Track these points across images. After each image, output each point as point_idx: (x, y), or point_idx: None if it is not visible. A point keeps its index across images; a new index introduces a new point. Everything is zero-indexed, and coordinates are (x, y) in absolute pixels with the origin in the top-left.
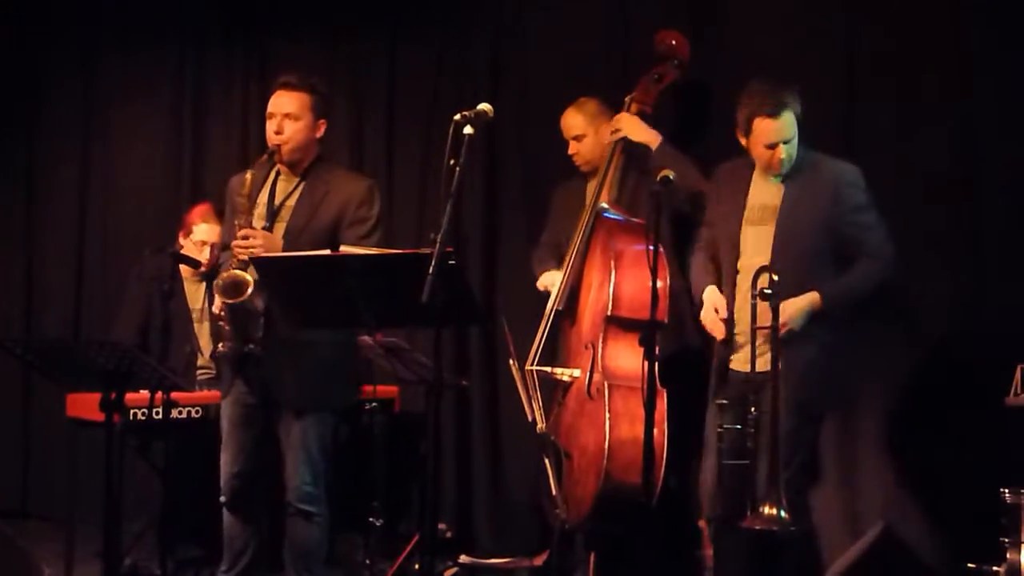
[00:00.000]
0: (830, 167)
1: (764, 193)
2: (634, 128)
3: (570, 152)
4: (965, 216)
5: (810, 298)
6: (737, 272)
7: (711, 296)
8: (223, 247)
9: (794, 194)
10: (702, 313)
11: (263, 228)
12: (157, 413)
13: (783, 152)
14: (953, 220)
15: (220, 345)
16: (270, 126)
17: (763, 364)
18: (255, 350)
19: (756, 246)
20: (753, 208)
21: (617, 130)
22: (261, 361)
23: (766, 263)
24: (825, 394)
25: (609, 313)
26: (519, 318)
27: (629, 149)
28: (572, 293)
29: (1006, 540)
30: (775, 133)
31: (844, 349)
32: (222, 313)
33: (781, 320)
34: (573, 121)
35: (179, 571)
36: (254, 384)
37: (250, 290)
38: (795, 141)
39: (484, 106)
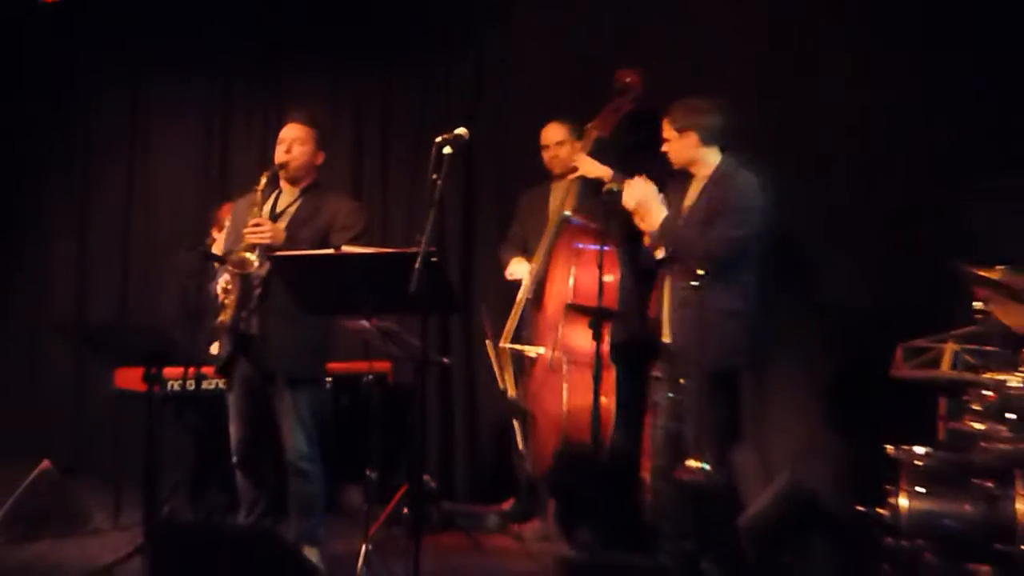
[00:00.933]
0: (732, 178)
1: (691, 194)
2: (589, 168)
3: (549, 157)
4: (861, 217)
5: (657, 211)
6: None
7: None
8: (226, 252)
9: (702, 198)
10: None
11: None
12: (190, 385)
13: (669, 152)
14: (852, 221)
15: (220, 316)
16: (280, 148)
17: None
18: (249, 323)
19: None
20: (684, 209)
21: (576, 169)
22: (256, 337)
23: None
24: (739, 362)
25: (570, 301)
26: (493, 305)
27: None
28: (539, 284)
29: (889, 487)
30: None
31: (756, 323)
32: (228, 287)
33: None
34: (557, 131)
35: (208, 517)
36: (254, 361)
37: (254, 266)
38: (689, 148)
39: (461, 130)
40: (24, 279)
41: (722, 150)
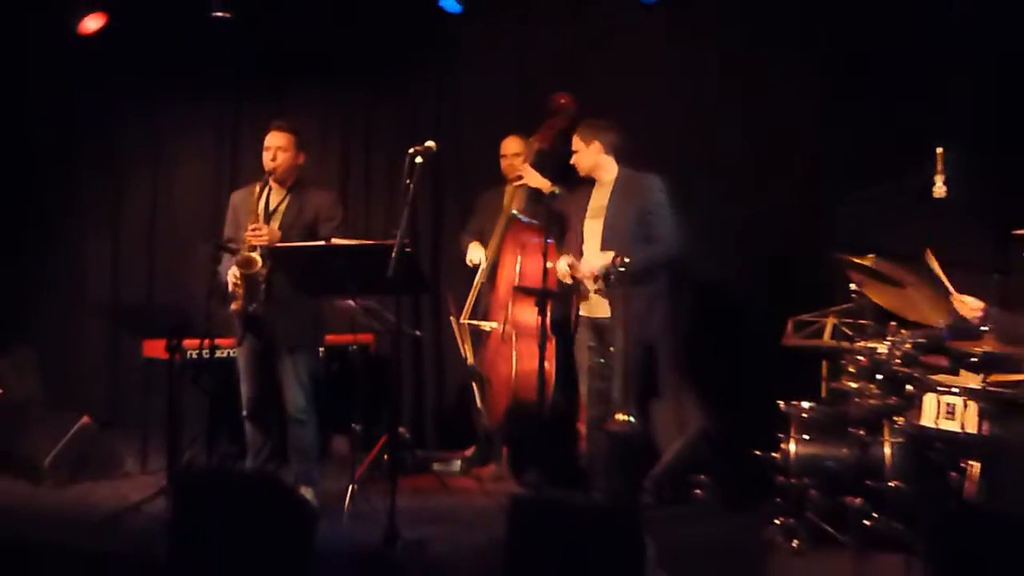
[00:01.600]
0: (641, 178)
1: (598, 198)
2: (533, 179)
3: (506, 165)
4: (759, 215)
5: (606, 257)
6: (582, 253)
7: (564, 262)
8: (228, 239)
9: (615, 199)
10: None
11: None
12: (205, 354)
13: (577, 161)
14: (750, 218)
15: (232, 304)
16: (267, 155)
17: (606, 311)
18: (257, 309)
19: (591, 233)
20: (591, 208)
21: (521, 177)
22: (263, 318)
23: (597, 244)
24: (655, 334)
25: (517, 283)
26: (455, 289)
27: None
28: (492, 270)
29: (781, 436)
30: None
31: (669, 304)
32: (238, 281)
33: (587, 271)
34: (515, 144)
35: (220, 463)
36: (259, 334)
37: (258, 266)
38: (594, 157)
39: (429, 143)
40: (64, 268)
41: (619, 161)
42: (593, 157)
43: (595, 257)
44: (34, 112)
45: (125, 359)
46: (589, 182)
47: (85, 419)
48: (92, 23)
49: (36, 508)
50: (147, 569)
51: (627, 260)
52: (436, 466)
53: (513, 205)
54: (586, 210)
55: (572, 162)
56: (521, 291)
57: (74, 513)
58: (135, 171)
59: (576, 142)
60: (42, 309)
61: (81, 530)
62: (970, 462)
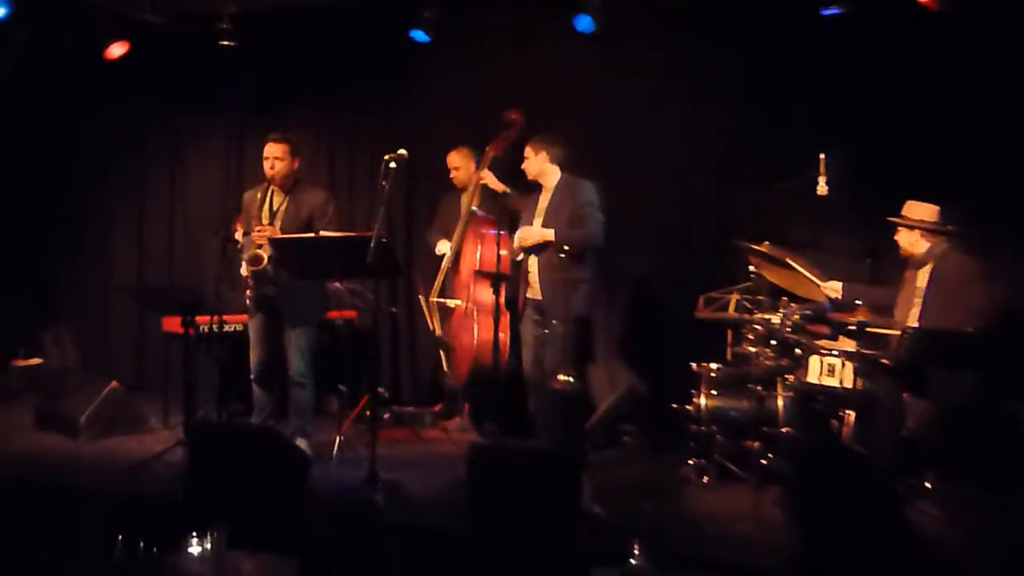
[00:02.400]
0: (577, 183)
1: (543, 200)
2: (491, 181)
3: (452, 176)
4: (674, 207)
5: (543, 232)
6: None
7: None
8: (244, 233)
9: (555, 199)
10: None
11: (267, 224)
12: (216, 328)
13: (527, 167)
14: (668, 210)
15: (247, 292)
16: (266, 164)
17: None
18: (270, 292)
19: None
20: (537, 209)
21: (481, 178)
22: (273, 299)
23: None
24: (588, 312)
25: (477, 268)
26: (424, 273)
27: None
28: (456, 257)
29: (693, 392)
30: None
31: (597, 286)
32: (249, 274)
33: (522, 237)
34: (454, 158)
35: (229, 419)
36: (268, 311)
37: (265, 263)
38: (540, 165)
39: (402, 151)
40: (95, 256)
41: (562, 169)
42: (540, 165)
43: (537, 227)
44: (69, 124)
45: (148, 333)
46: (539, 187)
47: (114, 383)
48: (117, 49)
49: (74, 458)
50: (168, 507)
51: (566, 247)
52: (410, 420)
53: (472, 203)
54: (534, 212)
55: (523, 167)
56: (481, 274)
57: (106, 462)
58: (156, 173)
59: (528, 150)
60: (77, 291)
61: (112, 476)
62: (847, 412)
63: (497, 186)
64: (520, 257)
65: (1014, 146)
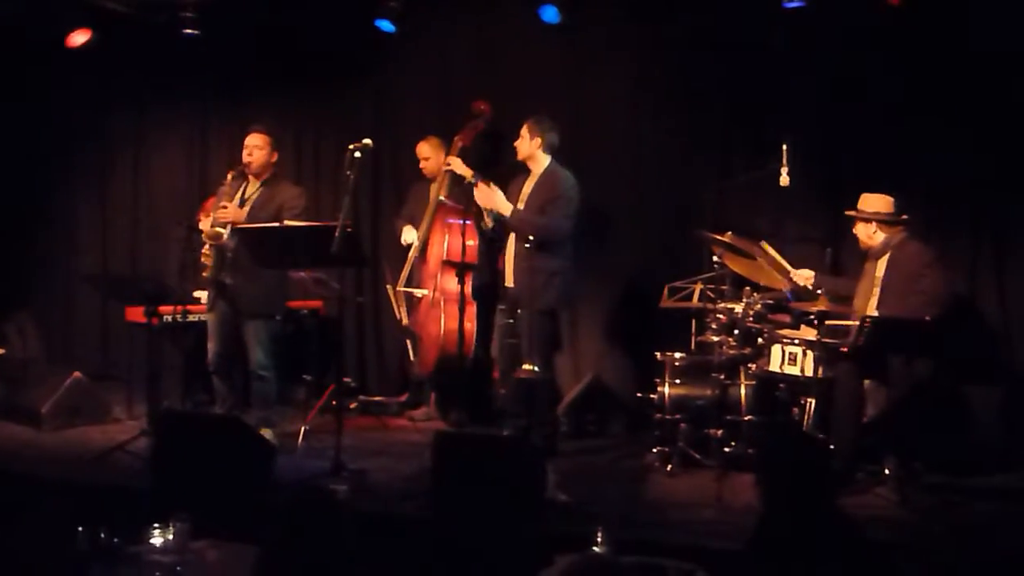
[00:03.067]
0: (559, 174)
1: (528, 186)
2: (459, 167)
3: (421, 166)
4: (641, 201)
5: (501, 202)
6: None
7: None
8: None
9: (538, 187)
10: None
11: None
12: (179, 318)
13: (519, 146)
14: (635, 205)
15: (204, 272)
16: (245, 152)
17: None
18: (226, 277)
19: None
20: (521, 194)
21: (449, 164)
22: (231, 288)
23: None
24: (557, 303)
25: (444, 258)
26: (391, 262)
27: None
28: (423, 246)
29: (658, 380)
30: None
31: (568, 278)
32: (207, 252)
33: (480, 195)
34: (424, 148)
35: (193, 409)
36: (228, 302)
37: (224, 239)
38: (532, 150)
39: (367, 141)
40: (59, 244)
41: (552, 156)
42: (532, 149)
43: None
44: (32, 112)
45: (112, 322)
46: (526, 169)
47: (77, 374)
48: (79, 37)
49: (37, 449)
50: (131, 497)
51: (531, 237)
52: (376, 409)
53: (440, 192)
54: (518, 195)
55: (516, 144)
56: (448, 264)
57: (69, 452)
58: (120, 161)
59: (525, 130)
60: (40, 279)
61: (75, 466)
62: (808, 399)
63: (465, 172)
64: (489, 226)
65: (970, 136)
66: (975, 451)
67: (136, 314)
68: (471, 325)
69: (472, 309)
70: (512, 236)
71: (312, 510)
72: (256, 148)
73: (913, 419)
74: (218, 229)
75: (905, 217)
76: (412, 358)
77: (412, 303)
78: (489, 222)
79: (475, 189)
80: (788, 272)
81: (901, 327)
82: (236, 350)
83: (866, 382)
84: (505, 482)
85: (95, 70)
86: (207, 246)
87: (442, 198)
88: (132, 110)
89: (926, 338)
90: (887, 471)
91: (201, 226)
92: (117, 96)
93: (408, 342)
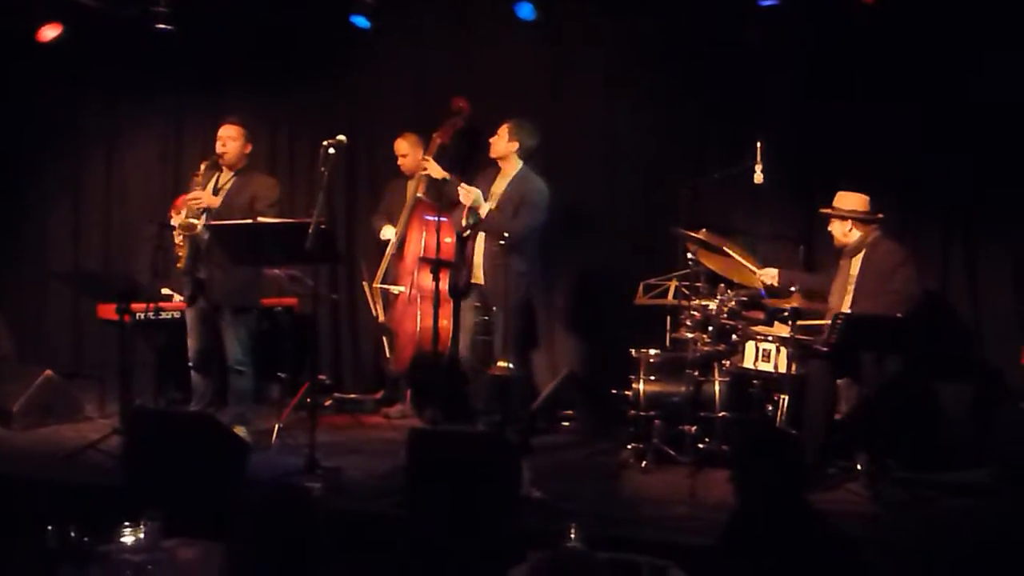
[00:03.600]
0: (531, 180)
1: (499, 185)
2: (434, 169)
3: (399, 163)
4: (616, 200)
5: (483, 206)
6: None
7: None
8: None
9: (510, 189)
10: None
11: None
12: (151, 315)
13: (495, 144)
14: (610, 203)
15: (178, 263)
16: (219, 144)
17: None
18: (202, 272)
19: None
20: (491, 192)
21: (425, 169)
22: (207, 283)
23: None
24: (523, 301)
25: (421, 255)
26: (368, 259)
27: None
28: (400, 243)
29: (632, 377)
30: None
31: (536, 279)
32: (181, 243)
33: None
34: (402, 145)
35: (167, 406)
36: (206, 297)
37: (197, 229)
38: (508, 151)
39: (341, 137)
40: (29, 241)
41: (525, 161)
42: (508, 151)
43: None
44: (5, 106)
45: (84, 319)
46: (495, 164)
47: (48, 372)
48: (50, 32)
49: (8, 447)
50: (103, 496)
51: (506, 235)
52: (351, 406)
53: (418, 190)
54: (487, 192)
55: (491, 140)
56: (425, 261)
57: (41, 451)
58: (92, 157)
59: (503, 131)
60: (11, 277)
61: (47, 465)
62: (781, 396)
63: (439, 173)
64: (466, 224)
65: (943, 135)
66: (946, 447)
67: (108, 311)
68: (447, 322)
69: (448, 306)
70: (483, 235)
71: (286, 508)
72: (230, 139)
73: (885, 416)
74: (192, 220)
75: (880, 216)
76: (388, 355)
77: (389, 300)
78: (468, 219)
79: (460, 188)
80: (755, 273)
81: (873, 325)
82: (215, 346)
83: (839, 379)
84: (480, 479)
85: (67, 65)
86: (180, 237)
87: (420, 195)
88: (105, 105)
89: (898, 336)
90: (859, 467)
91: (174, 221)
92: (90, 91)
93: (384, 339)
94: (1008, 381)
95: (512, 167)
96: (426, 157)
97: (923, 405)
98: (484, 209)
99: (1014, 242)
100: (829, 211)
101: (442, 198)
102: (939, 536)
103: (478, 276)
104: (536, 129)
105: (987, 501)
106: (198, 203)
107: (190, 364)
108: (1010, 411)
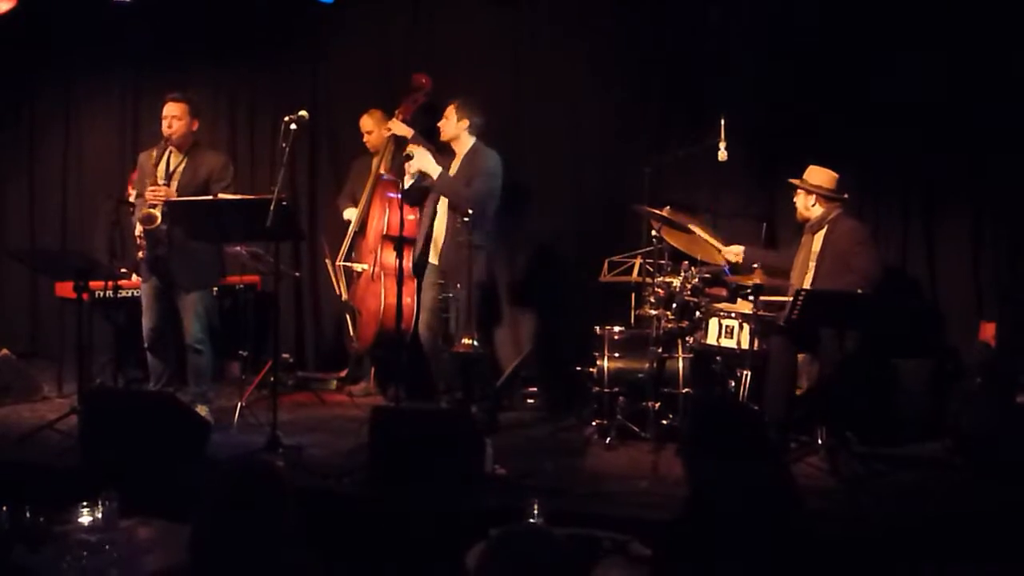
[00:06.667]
0: (484, 153)
1: (453, 167)
2: (398, 128)
3: (364, 140)
4: (580, 178)
5: (434, 167)
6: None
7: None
8: (137, 195)
9: (463, 167)
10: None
11: (163, 185)
12: (110, 293)
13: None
14: (574, 181)
15: (139, 253)
16: (164, 123)
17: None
18: (163, 253)
19: None
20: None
21: (389, 129)
22: (165, 261)
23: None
24: (487, 278)
25: (384, 232)
26: (331, 237)
27: (396, 140)
28: (363, 221)
29: (596, 354)
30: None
31: (493, 254)
32: (141, 235)
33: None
34: (367, 122)
35: (126, 386)
36: (162, 275)
37: (158, 222)
38: (458, 131)
39: (303, 113)
40: None
41: (478, 137)
42: (458, 131)
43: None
44: None
45: (41, 298)
46: (451, 151)
47: (5, 351)
48: (3, 5)
49: None
50: (60, 476)
51: (471, 212)
52: (315, 384)
53: (382, 167)
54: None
55: (439, 125)
56: (388, 238)
57: None
58: (49, 132)
59: (450, 112)
60: None
61: (2, 445)
62: (744, 372)
63: (405, 131)
64: (411, 185)
65: (902, 113)
66: (904, 422)
67: (66, 289)
68: (411, 300)
69: (412, 284)
70: (442, 213)
71: (252, 482)
72: (175, 118)
73: (845, 391)
74: (152, 212)
75: (845, 196)
76: (351, 333)
77: (352, 278)
78: (409, 181)
79: (414, 149)
80: (719, 250)
81: (833, 300)
82: (171, 325)
83: (800, 355)
84: (443, 457)
85: (22, 39)
86: (140, 230)
87: (382, 172)
88: (61, 80)
89: (856, 312)
90: (819, 441)
91: (130, 198)
92: (46, 66)
93: (347, 317)
94: (966, 356)
95: (464, 145)
96: (391, 121)
97: (882, 380)
98: (435, 172)
99: (973, 218)
100: (797, 182)
101: (404, 174)
102: (896, 509)
103: (437, 254)
104: (481, 104)
105: (944, 474)
106: (158, 197)
107: (145, 344)
108: (966, 385)
